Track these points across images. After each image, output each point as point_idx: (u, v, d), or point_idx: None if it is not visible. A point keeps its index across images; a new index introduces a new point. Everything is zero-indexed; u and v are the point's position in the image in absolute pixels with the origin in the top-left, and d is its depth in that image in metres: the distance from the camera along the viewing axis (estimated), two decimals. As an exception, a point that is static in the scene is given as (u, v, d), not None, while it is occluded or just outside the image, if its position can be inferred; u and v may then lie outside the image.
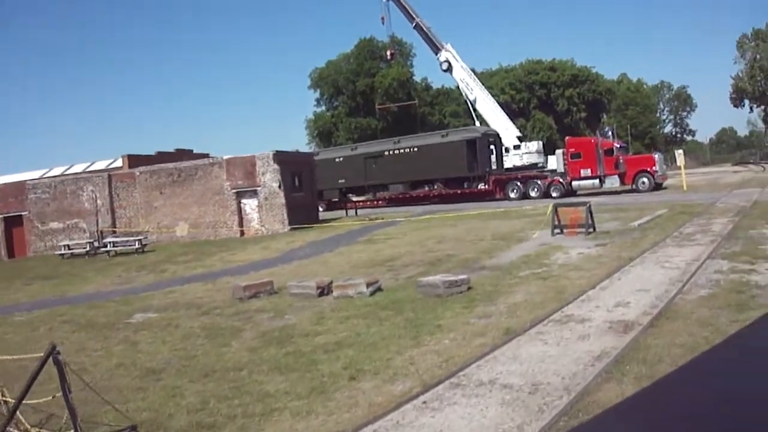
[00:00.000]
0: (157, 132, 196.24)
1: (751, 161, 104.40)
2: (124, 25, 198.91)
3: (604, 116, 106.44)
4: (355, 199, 55.30)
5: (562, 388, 7.84)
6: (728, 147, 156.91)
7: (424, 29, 61.62)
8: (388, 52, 70.93)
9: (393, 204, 53.25)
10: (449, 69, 60.12)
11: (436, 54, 61.62)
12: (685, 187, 42.53)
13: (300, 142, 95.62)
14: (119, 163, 49.19)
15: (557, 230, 23.72)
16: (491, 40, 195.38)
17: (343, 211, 47.99)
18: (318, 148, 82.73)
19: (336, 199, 54.43)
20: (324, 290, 15.92)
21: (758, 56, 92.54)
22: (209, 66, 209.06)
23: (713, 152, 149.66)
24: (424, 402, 7.84)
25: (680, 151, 49.33)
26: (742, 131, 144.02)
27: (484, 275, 16.80)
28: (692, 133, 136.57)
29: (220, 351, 11.69)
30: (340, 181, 55.90)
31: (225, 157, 41.03)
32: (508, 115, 60.59)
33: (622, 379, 7.99)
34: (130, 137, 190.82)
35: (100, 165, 53.48)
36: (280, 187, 38.60)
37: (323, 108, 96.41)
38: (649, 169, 45.11)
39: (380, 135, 72.03)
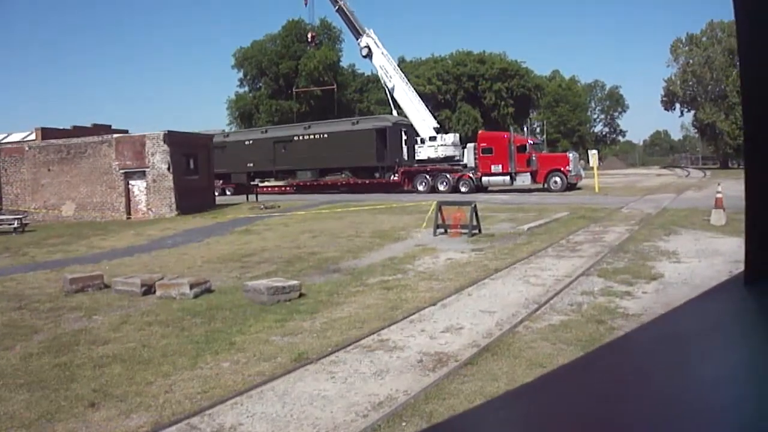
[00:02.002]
0: (86, 106, 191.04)
1: (681, 165, 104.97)
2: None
3: (534, 112, 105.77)
4: (263, 184, 52.99)
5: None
6: (661, 150, 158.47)
7: (347, 13, 59.24)
8: (309, 35, 68.15)
9: (301, 191, 51.15)
10: (369, 55, 57.81)
11: (358, 39, 59.33)
12: (597, 189, 41.11)
13: (223, 122, 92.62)
14: (33, 135, 46.30)
15: (441, 230, 21.79)
16: (426, 29, 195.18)
17: (250, 197, 45.31)
18: (239, 129, 79.94)
19: (244, 183, 51.76)
20: (149, 288, 14.18)
21: (691, 61, 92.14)
22: (142, 43, 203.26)
23: (647, 154, 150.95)
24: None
25: (594, 151, 47.91)
26: (677, 135, 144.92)
27: (331, 280, 15.08)
28: (623, 133, 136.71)
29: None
30: (248, 164, 53.70)
31: (114, 136, 38.37)
32: (431, 106, 58.89)
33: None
34: (58, 110, 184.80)
35: (16, 137, 50.88)
36: (169, 169, 36.18)
37: (246, 89, 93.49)
38: (562, 169, 43.46)
39: (301, 119, 69.36)
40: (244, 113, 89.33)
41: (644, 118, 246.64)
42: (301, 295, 12.88)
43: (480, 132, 52.09)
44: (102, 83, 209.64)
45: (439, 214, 22.06)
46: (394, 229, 24.12)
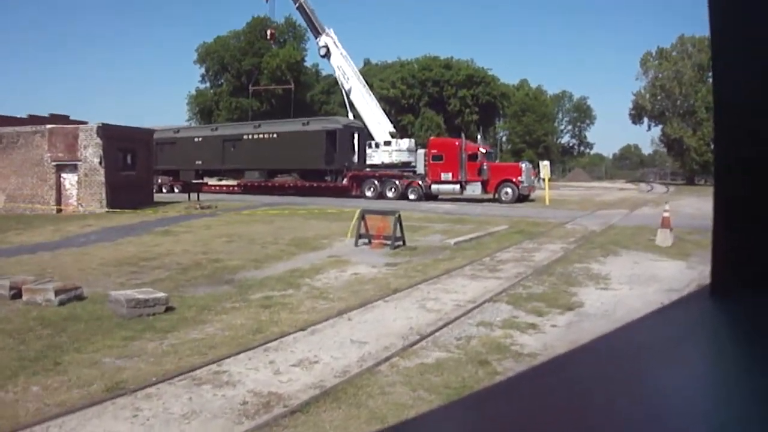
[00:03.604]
0: (49, 97, 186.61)
1: (650, 180, 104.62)
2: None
3: (499, 121, 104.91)
4: (211, 183, 51.47)
5: None
6: (631, 164, 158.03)
7: (307, 11, 57.95)
8: (268, 32, 66.77)
9: (249, 192, 49.52)
10: (327, 55, 56.56)
11: (317, 38, 58.09)
12: (547, 202, 39.90)
13: (183, 117, 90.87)
14: None
15: (364, 240, 20.41)
16: (395, 33, 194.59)
17: (193, 195, 43.64)
18: (198, 125, 78.25)
19: (193, 181, 50.07)
20: (18, 292, 12.87)
21: (660, 75, 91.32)
22: (113, 34, 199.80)
23: (615, 167, 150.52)
24: None
25: (545, 162, 46.52)
26: (647, 149, 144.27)
27: (214, 292, 13.67)
28: (590, 145, 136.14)
29: None
30: (197, 162, 52.24)
31: (48, 127, 36.52)
32: (394, 110, 57.64)
33: None
34: (19, 100, 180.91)
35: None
36: (101, 163, 34.48)
37: (207, 85, 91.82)
38: (513, 179, 41.97)
39: (260, 118, 67.72)
40: (204, 110, 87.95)
41: (614, 130, 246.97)
42: (168, 309, 11.71)
43: (431, 138, 50.84)
44: (64, 73, 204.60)
45: (362, 224, 20.67)
46: (318, 237, 22.74)
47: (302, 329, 10.30)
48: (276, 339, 9.77)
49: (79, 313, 11.71)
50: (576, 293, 13.35)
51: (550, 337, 10.04)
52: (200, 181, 50.79)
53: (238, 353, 9.08)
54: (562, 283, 14.48)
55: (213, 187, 50.89)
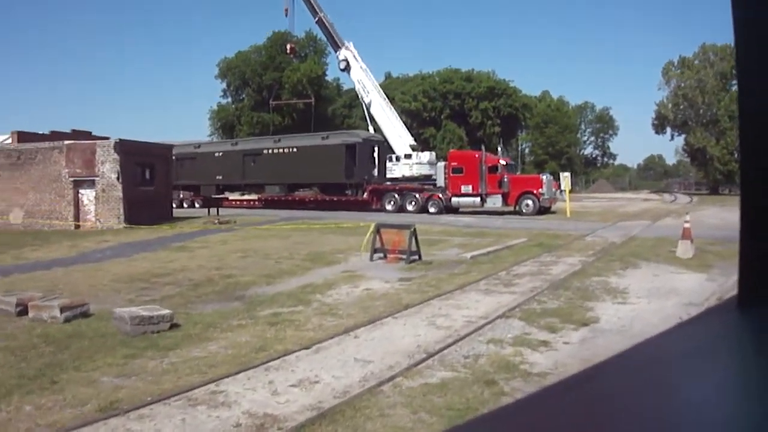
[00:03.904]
0: (73, 113, 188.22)
1: (674, 190, 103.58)
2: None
3: (522, 133, 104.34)
4: (231, 197, 51.38)
5: None
6: (655, 174, 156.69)
7: (327, 25, 57.98)
8: (288, 46, 66.81)
9: (269, 206, 49.36)
10: (347, 68, 56.49)
11: (336, 52, 58.05)
12: (568, 214, 39.38)
13: (206, 132, 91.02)
14: (10, 139, 44.17)
15: (379, 255, 20.13)
16: (416, 46, 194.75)
17: (213, 210, 43.46)
18: (219, 140, 78.39)
19: (214, 196, 50.01)
20: (25, 309, 12.80)
21: (683, 84, 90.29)
22: (131, 50, 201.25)
23: (640, 178, 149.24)
24: None
25: (566, 174, 45.89)
26: (671, 160, 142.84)
27: (223, 309, 13.47)
28: (613, 156, 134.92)
29: None
30: (218, 177, 52.27)
31: (66, 142, 36.59)
32: (416, 123, 57.35)
33: None
34: (43, 115, 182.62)
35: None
36: (118, 179, 34.45)
37: (229, 100, 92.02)
38: (534, 191, 41.43)
39: (282, 132, 67.62)
40: (225, 124, 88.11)
41: (638, 141, 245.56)
42: (173, 326, 11.52)
43: (450, 150, 50.44)
44: (88, 90, 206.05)
45: (377, 238, 20.37)
46: (334, 251, 22.50)
47: (306, 347, 10.03)
48: (278, 357, 9.51)
49: (84, 330, 11.56)
50: (592, 308, 12.95)
51: (562, 354, 9.67)
52: (221, 195, 50.77)
53: (238, 372, 8.83)
54: (578, 297, 14.07)
55: (234, 202, 50.75)
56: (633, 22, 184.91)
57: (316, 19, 57.85)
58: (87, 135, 46.01)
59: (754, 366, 1.28)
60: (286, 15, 58.63)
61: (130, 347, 10.28)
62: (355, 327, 11.32)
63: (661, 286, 15.33)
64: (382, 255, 20.25)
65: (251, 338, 10.86)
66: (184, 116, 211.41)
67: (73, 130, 46.57)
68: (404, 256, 19.59)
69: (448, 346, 10.03)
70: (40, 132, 44.02)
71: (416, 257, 19.70)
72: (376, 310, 12.86)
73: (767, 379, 1.18)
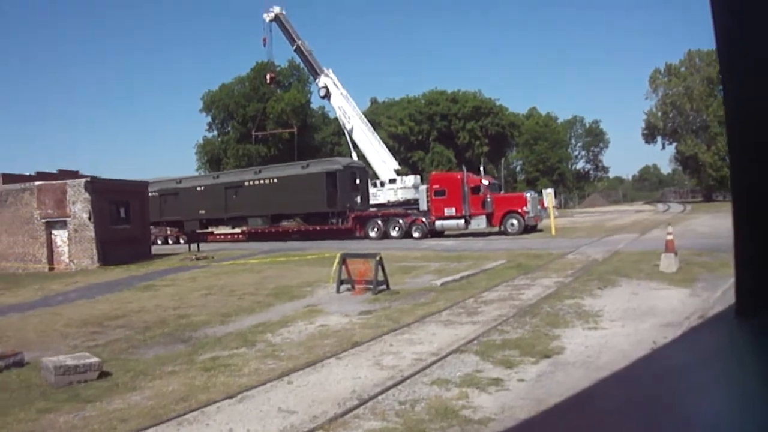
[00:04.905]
0: (59, 152, 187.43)
1: (669, 200, 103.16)
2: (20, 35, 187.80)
3: (511, 151, 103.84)
4: (216, 232, 50.64)
5: None
6: (651, 184, 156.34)
7: (305, 53, 57.77)
8: (268, 76, 66.42)
9: (253, 239, 48.57)
10: (327, 95, 56.16)
11: (316, 79, 57.78)
12: (553, 232, 38.50)
13: (193, 167, 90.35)
14: None
15: (347, 286, 19.32)
16: (401, 69, 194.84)
17: (196, 245, 42.74)
18: (203, 174, 77.76)
19: (198, 231, 49.26)
20: None
21: (670, 92, 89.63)
22: (121, 87, 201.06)
23: (635, 189, 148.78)
24: None
25: (549, 190, 45.05)
26: (666, 169, 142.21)
27: (165, 353, 12.83)
28: (606, 169, 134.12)
29: None
30: (200, 211, 51.28)
31: (36, 183, 35.82)
32: (404, 147, 56.84)
33: None
34: (26, 156, 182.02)
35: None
36: (90, 218, 33.62)
37: (215, 133, 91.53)
38: (519, 210, 40.50)
39: (267, 163, 66.98)
40: (212, 158, 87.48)
41: (632, 152, 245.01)
42: (102, 375, 10.94)
43: (432, 173, 49.64)
44: (76, 129, 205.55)
45: (343, 268, 19.56)
46: (302, 284, 21.70)
47: (231, 396, 9.22)
48: (197, 409, 8.74)
49: (11, 381, 11.09)
50: (558, 336, 12.03)
51: (513, 395, 8.74)
52: (205, 230, 50.07)
53: (147, 428, 8.12)
54: (546, 324, 13.12)
55: (218, 237, 50.09)
56: (617, 32, 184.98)
57: (294, 47, 57.67)
58: (74, 175, 45.16)
59: (754, 375, 1.24)
60: (264, 45, 58.59)
61: (49, 400, 9.73)
62: (293, 371, 10.48)
63: (639, 306, 14.50)
64: (349, 286, 19.40)
65: (179, 387, 10.12)
66: (174, 152, 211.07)
67: (60, 171, 45.75)
68: (371, 287, 18.74)
69: (387, 390, 9.16)
70: (27, 173, 43.21)
71: (384, 287, 18.85)
72: (322, 349, 12.02)
73: (762, 387, 1.16)
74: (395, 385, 9.37)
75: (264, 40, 58.32)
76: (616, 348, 10.77)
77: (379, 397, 8.83)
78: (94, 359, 11.17)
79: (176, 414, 8.53)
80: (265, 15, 57.10)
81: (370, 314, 15.62)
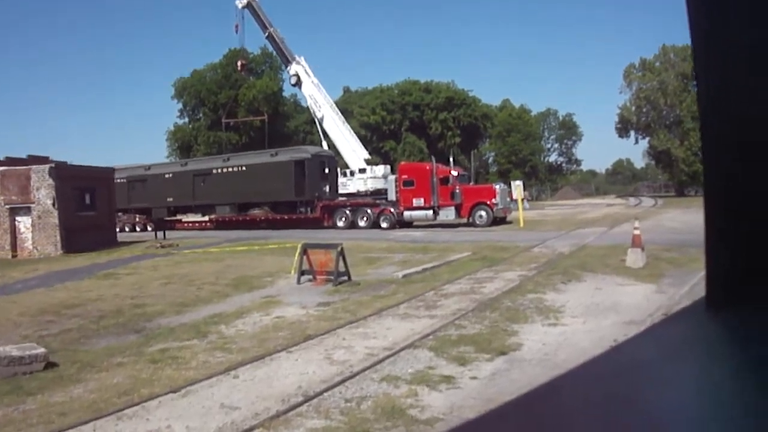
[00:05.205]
0: (30, 138, 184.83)
1: (642, 194, 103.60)
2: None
3: (484, 142, 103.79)
4: (184, 219, 50.18)
5: None
6: (624, 178, 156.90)
7: (277, 40, 57.31)
8: (239, 63, 65.87)
9: (221, 227, 47.99)
10: (298, 83, 55.75)
11: (287, 67, 57.33)
12: (521, 224, 38.44)
13: (164, 153, 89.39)
14: None
15: (308, 277, 19.14)
16: (375, 59, 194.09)
17: (162, 233, 42.29)
18: (177, 160, 77.03)
19: (165, 218, 48.77)
20: None
21: (644, 87, 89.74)
22: (94, 72, 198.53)
23: (608, 183, 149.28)
24: None
25: (518, 182, 45.09)
26: (640, 163, 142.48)
27: (116, 344, 12.61)
28: (578, 162, 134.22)
29: None
30: (168, 199, 50.84)
31: (0, 169, 35.17)
32: (376, 136, 56.59)
33: None
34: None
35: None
36: (54, 205, 33.16)
37: (186, 120, 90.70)
38: (487, 202, 40.24)
39: (237, 151, 66.35)
40: (183, 145, 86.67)
41: (605, 146, 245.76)
42: (49, 366, 10.71)
43: (401, 163, 49.45)
44: (48, 115, 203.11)
45: (305, 259, 19.37)
46: (264, 274, 21.50)
47: (175, 390, 9.02)
48: (139, 404, 8.56)
49: None
50: (517, 332, 11.85)
51: (464, 394, 8.57)
52: (173, 218, 49.63)
53: (86, 422, 7.92)
54: (505, 319, 12.93)
55: (186, 224, 49.60)
56: (592, 26, 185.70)
57: (266, 34, 57.27)
58: (44, 161, 44.43)
59: (725, 368, 1.26)
60: (236, 31, 58.03)
61: (-17, 393, 9.43)
62: (240, 364, 10.29)
63: (602, 302, 14.38)
64: (311, 277, 19.21)
65: (124, 379, 9.94)
66: (146, 139, 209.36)
67: (30, 156, 45.03)
68: (332, 278, 18.57)
69: (334, 386, 8.98)
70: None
71: (345, 278, 18.68)
72: (274, 342, 11.84)
73: (738, 381, 1.17)
74: (343, 381, 9.20)
75: (236, 26, 57.83)
76: (574, 345, 10.63)
77: (325, 394, 8.66)
78: (40, 350, 10.94)
79: (116, 408, 8.35)
80: (237, 1, 56.50)
81: (327, 306, 15.44)
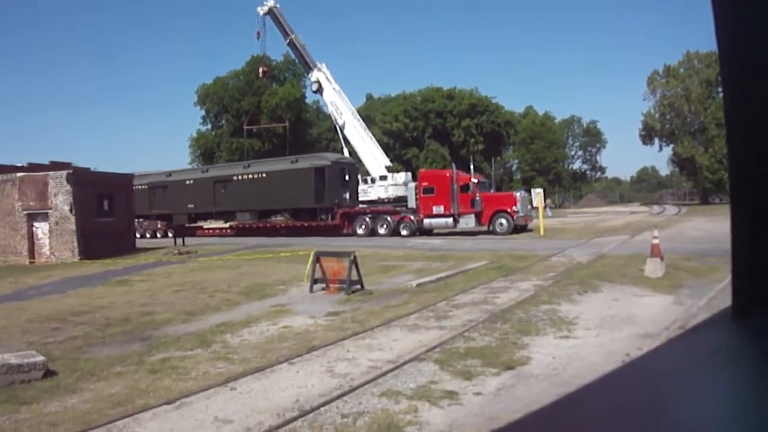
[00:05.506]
0: (54, 145, 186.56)
1: (666, 201, 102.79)
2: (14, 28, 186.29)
3: (508, 150, 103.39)
4: (205, 226, 50.19)
5: None
6: (648, 186, 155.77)
7: (298, 47, 57.31)
8: (261, 70, 66.02)
9: (241, 233, 47.94)
10: (320, 90, 55.66)
11: (308, 73, 57.30)
12: (542, 232, 38.06)
13: (186, 160, 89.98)
14: None
15: (321, 285, 18.94)
16: (398, 66, 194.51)
17: (181, 239, 42.25)
18: (199, 167, 77.25)
19: (186, 225, 48.85)
20: None
21: (668, 93, 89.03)
22: (116, 79, 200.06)
23: (633, 190, 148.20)
24: None
25: (538, 190, 44.69)
26: (665, 171, 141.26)
27: (118, 353, 12.36)
28: (602, 170, 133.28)
29: None
30: (189, 205, 50.90)
31: (18, 175, 35.35)
32: (398, 144, 56.32)
33: None
34: (22, 149, 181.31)
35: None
36: (71, 210, 33.20)
37: (209, 126, 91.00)
38: (508, 210, 39.90)
39: (260, 158, 66.39)
40: (205, 152, 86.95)
41: (631, 153, 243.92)
42: (48, 374, 10.53)
43: (421, 170, 49.16)
44: (73, 121, 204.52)
45: (318, 267, 19.14)
46: (277, 282, 21.34)
47: (170, 402, 8.78)
48: (131, 415, 8.32)
49: None
50: (527, 345, 11.42)
51: (466, 411, 8.17)
52: (193, 225, 49.68)
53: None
54: (516, 331, 12.50)
55: (206, 231, 49.61)
56: (616, 33, 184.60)
57: (288, 41, 57.29)
58: (66, 167, 44.63)
59: (751, 377, 1.22)
60: (258, 38, 58.19)
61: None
62: (240, 375, 10.04)
63: (618, 314, 13.91)
64: (323, 285, 18.99)
65: (122, 389, 9.72)
66: (169, 145, 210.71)
67: (52, 162, 45.23)
68: (344, 286, 18.34)
69: (332, 400, 8.67)
70: (18, 164, 42.67)
71: (358, 287, 18.44)
72: (277, 353, 11.57)
73: (763, 389, 1.15)
74: (342, 395, 8.89)
75: (258, 33, 57.99)
76: (585, 360, 10.19)
77: (322, 409, 8.35)
78: (39, 358, 10.77)
79: (107, 420, 8.13)
80: (259, 8, 56.70)
81: (336, 316, 15.18)
